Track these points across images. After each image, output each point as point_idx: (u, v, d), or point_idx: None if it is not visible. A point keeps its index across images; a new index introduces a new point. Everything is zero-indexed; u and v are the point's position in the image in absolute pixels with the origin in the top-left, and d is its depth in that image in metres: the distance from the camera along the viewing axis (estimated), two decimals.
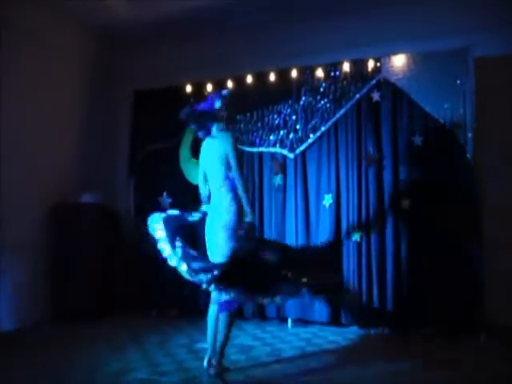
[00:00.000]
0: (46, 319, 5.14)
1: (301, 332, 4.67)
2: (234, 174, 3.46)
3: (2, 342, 4.37)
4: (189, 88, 5.61)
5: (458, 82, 4.49)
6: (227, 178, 3.47)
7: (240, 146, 4.48)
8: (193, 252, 3.41)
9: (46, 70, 5.32)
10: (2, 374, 3.57)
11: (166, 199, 5.59)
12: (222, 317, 3.41)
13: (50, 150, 5.37)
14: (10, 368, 3.70)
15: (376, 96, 4.81)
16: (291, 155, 5.10)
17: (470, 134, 4.43)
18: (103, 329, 4.90)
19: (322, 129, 5.00)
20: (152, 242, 3.48)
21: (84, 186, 5.54)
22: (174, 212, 3.69)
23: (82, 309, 5.16)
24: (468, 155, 4.42)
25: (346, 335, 4.53)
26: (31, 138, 5.09)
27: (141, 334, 4.63)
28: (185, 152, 5.61)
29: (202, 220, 3.58)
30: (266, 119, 5.23)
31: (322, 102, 5.02)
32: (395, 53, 4.76)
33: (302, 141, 5.08)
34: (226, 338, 3.45)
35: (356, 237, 4.76)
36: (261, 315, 5.13)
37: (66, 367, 3.67)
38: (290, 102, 5.15)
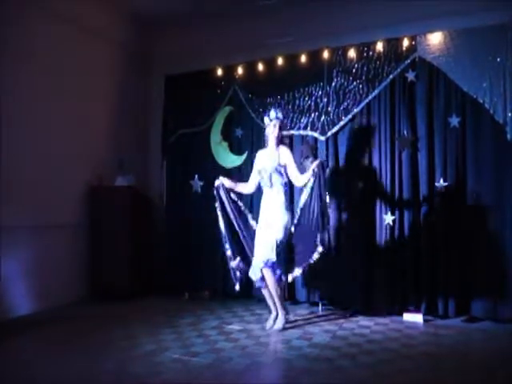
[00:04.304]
0: (84, 298, 5.33)
1: (331, 316, 4.66)
2: (293, 174, 4.26)
3: (40, 320, 4.52)
4: (220, 72, 5.60)
5: (498, 59, 4.30)
6: (280, 175, 4.25)
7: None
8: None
9: (81, 55, 5.41)
10: (39, 351, 3.69)
11: (197, 182, 5.63)
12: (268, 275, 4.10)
13: (86, 135, 5.49)
14: (45, 345, 3.83)
15: (411, 76, 4.67)
16: (322, 138, 5.03)
17: (510, 114, 4.25)
18: (137, 309, 5.01)
19: (355, 111, 4.90)
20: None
21: (118, 169, 5.64)
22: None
23: (116, 289, 5.32)
24: (508, 136, 4.25)
25: (377, 320, 4.50)
26: (69, 124, 5.21)
27: (174, 315, 4.70)
28: (216, 135, 5.62)
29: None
30: (297, 102, 5.17)
31: (355, 84, 4.92)
32: (431, 30, 4.59)
33: (333, 123, 4.99)
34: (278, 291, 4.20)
35: (389, 220, 4.67)
36: (291, 298, 5.13)
37: (100, 346, 3.76)
38: (321, 83, 5.07)
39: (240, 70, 5.49)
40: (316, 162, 4.12)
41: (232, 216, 4.39)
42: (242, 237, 4.40)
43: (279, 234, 4.15)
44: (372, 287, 4.75)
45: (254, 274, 4.22)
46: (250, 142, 5.45)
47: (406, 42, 4.68)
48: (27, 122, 4.73)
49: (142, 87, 6.39)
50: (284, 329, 4.18)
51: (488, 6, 4.48)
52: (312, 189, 4.13)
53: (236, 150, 5.54)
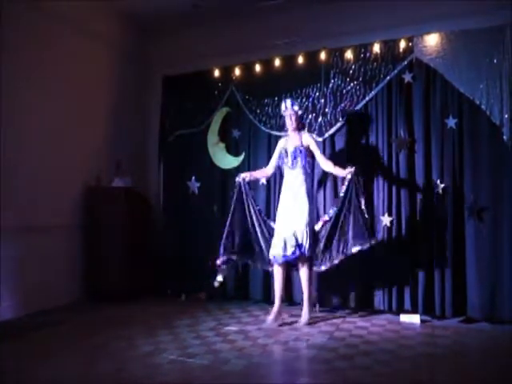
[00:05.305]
0: (81, 299, 5.31)
1: (328, 317, 4.65)
2: (320, 157, 4.46)
3: (37, 321, 4.50)
4: (217, 73, 5.59)
5: (495, 61, 4.31)
6: (302, 156, 4.38)
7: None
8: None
9: (79, 56, 5.39)
10: (36, 353, 3.66)
11: (194, 183, 5.62)
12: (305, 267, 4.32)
13: (84, 136, 5.47)
14: (43, 347, 3.81)
15: (408, 77, 4.68)
16: (320, 139, 5.02)
17: (506, 116, 4.26)
18: (134, 310, 4.99)
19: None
20: None
21: (116, 170, 5.63)
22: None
23: (114, 290, 5.30)
24: (504, 137, 4.27)
25: (374, 321, 4.50)
26: (65, 124, 5.19)
27: (171, 316, 4.68)
28: (212, 136, 5.61)
29: None
30: None
31: (352, 85, 4.92)
32: (428, 32, 4.60)
33: (330, 124, 5.00)
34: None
35: (387, 221, 4.68)
36: (288, 300, 5.12)
37: (98, 347, 3.75)
38: (318, 85, 5.07)
39: (237, 71, 5.49)
40: (351, 170, 4.23)
41: (252, 210, 4.51)
42: (257, 231, 4.50)
43: (307, 222, 4.27)
44: (369, 288, 4.75)
45: (281, 249, 4.24)
46: (247, 143, 5.46)
47: (402, 44, 4.69)
48: (25, 122, 4.71)
49: (140, 88, 6.39)
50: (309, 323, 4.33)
51: (485, 7, 4.51)
52: (345, 195, 4.27)
53: (233, 151, 5.53)
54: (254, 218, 4.53)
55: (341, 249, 4.30)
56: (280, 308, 4.44)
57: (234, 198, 4.54)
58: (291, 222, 4.30)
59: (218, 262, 4.44)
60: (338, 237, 4.33)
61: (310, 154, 4.47)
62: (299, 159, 4.38)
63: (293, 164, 4.40)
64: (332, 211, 4.41)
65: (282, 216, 4.39)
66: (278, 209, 4.49)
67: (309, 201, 4.36)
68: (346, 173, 4.27)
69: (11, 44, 4.55)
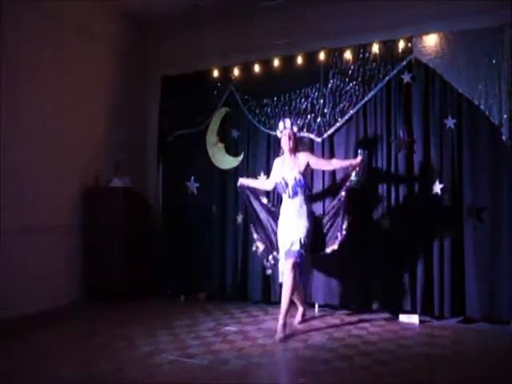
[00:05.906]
0: (80, 299, 5.31)
1: (328, 318, 4.66)
2: (323, 165, 4.52)
3: (36, 321, 4.50)
4: (216, 73, 5.60)
5: (494, 61, 4.31)
6: (303, 186, 4.23)
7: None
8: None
9: (78, 56, 5.39)
10: (35, 353, 3.68)
11: (193, 184, 5.63)
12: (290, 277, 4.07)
13: (83, 136, 5.47)
14: (42, 347, 3.82)
15: (407, 77, 4.68)
16: (318, 139, 5.03)
17: (505, 116, 4.26)
18: (133, 311, 5.00)
19: (351, 112, 4.90)
20: None
21: (114, 170, 5.64)
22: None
23: (113, 290, 5.30)
24: (503, 137, 4.27)
25: (373, 322, 4.50)
26: (65, 124, 5.19)
27: (170, 316, 4.69)
28: (211, 136, 5.61)
29: None
30: (293, 103, 5.17)
31: (351, 85, 4.92)
32: (427, 32, 4.60)
33: (329, 125, 4.99)
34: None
35: (384, 222, 4.68)
36: None
37: (97, 347, 3.76)
38: (317, 85, 5.07)
39: (237, 71, 5.49)
40: (364, 155, 4.20)
41: (261, 212, 4.59)
42: (270, 230, 4.56)
43: (305, 235, 4.16)
44: (368, 288, 4.76)
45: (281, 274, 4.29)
46: (246, 143, 5.45)
47: (402, 44, 4.69)
48: (25, 122, 4.71)
49: (139, 88, 6.39)
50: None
51: (484, 7, 4.51)
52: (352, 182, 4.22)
53: (232, 151, 5.52)
54: (264, 217, 4.60)
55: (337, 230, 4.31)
56: (304, 310, 4.53)
57: (246, 203, 4.69)
58: (289, 235, 4.18)
59: (268, 265, 4.59)
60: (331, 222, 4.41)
61: (310, 172, 4.52)
62: (300, 190, 4.21)
63: (294, 196, 4.22)
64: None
65: (281, 238, 4.28)
66: (278, 232, 4.35)
67: (309, 220, 4.20)
68: (359, 160, 4.18)
69: (11, 44, 4.55)
